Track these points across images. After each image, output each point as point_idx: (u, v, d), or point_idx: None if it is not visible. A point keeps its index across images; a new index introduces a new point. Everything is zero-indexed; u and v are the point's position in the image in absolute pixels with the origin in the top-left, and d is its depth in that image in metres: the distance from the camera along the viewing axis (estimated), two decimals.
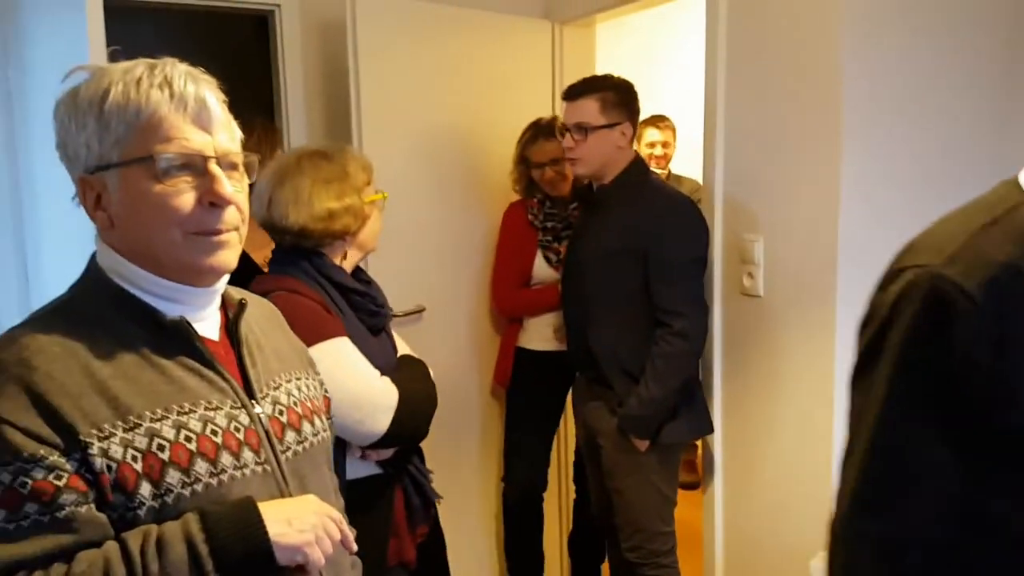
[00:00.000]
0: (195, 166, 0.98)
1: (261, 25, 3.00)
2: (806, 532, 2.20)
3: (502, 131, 3.01)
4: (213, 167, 0.98)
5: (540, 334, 2.81)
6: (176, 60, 1.01)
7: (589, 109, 2.25)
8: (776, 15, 2.22)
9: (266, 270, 1.89)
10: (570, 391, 2.79)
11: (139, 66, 0.99)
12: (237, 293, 1.15)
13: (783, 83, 2.20)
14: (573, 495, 3.11)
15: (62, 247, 2.20)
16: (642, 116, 2.53)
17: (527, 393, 2.84)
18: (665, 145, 4.10)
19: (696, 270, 2.28)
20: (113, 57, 1.03)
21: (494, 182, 2.93)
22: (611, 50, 3.43)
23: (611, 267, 2.26)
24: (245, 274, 1.58)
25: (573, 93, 2.30)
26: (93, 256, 1.05)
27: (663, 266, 2.21)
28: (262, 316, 1.20)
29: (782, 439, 2.29)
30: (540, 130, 2.72)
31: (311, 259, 1.70)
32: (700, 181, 2.72)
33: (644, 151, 4.01)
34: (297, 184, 1.67)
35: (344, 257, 1.75)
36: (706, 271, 2.35)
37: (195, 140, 0.98)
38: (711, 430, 2.44)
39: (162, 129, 0.96)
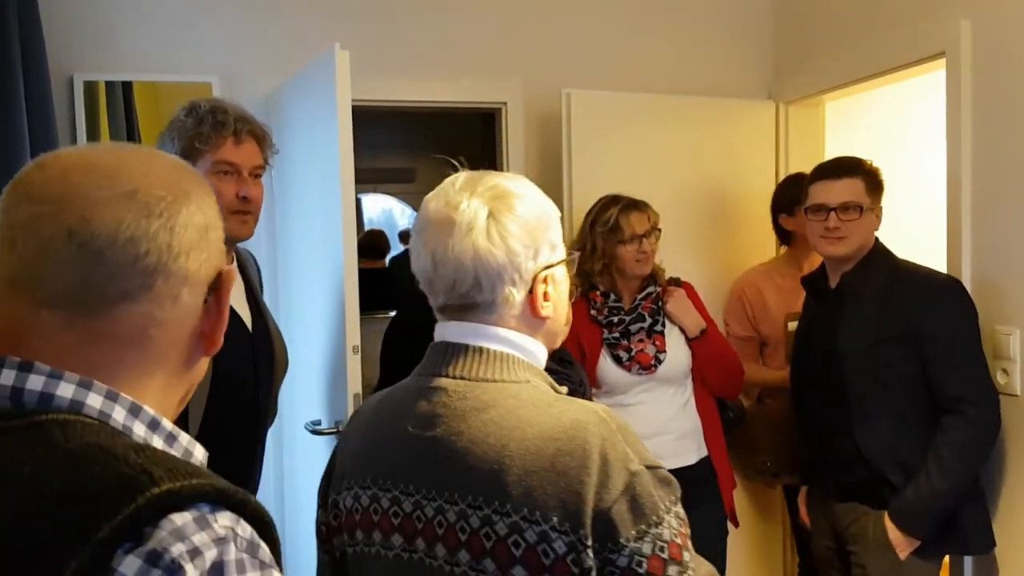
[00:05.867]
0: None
1: (487, 121, 3.19)
2: None
3: (717, 213, 2.96)
4: None
5: None
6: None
7: (858, 188, 2.12)
8: None
9: None
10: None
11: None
12: None
13: None
14: None
15: (310, 311, 2.42)
16: None
17: None
18: None
19: (979, 352, 2.04)
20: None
21: (712, 263, 2.87)
22: (840, 129, 3.26)
23: (881, 356, 2.06)
24: None
25: (838, 171, 2.15)
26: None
27: (943, 350, 2.01)
28: None
29: None
30: (632, 202, 2.42)
31: None
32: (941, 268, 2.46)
33: None
34: None
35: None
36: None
37: None
38: (991, 546, 2.13)
39: (559, 237, 1.19)
